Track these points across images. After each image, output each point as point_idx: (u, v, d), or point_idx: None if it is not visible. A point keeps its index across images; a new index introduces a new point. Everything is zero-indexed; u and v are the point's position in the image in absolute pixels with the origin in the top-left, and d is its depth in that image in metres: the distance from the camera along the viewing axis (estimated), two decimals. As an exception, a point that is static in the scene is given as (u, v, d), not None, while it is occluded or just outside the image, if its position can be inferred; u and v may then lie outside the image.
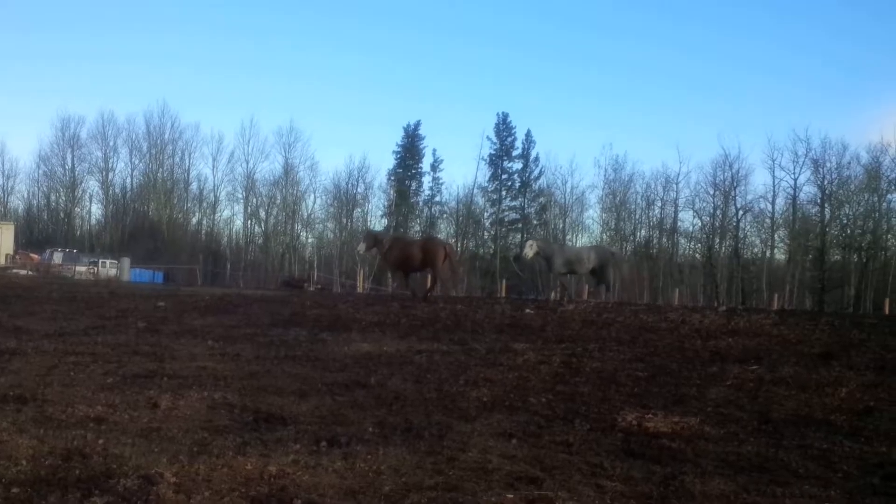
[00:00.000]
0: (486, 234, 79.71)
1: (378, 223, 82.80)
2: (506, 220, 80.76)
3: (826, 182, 68.62)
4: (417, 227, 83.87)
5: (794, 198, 70.78)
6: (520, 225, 79.79)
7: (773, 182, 71.34)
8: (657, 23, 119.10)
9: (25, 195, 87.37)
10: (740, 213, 72.09)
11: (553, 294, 22.12)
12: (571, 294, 23.35)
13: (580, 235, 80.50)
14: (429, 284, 24.49)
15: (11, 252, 55.52)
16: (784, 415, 7.19)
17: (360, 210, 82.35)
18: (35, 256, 58.03)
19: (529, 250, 22.16)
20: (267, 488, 4.60)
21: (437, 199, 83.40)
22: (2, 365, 8.90)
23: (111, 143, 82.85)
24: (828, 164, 68.76)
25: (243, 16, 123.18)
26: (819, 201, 69.17)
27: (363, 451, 5.46)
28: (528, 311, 16.44)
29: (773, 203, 72.12)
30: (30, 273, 46.35)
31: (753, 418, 7.01)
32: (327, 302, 19.34)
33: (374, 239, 22.35)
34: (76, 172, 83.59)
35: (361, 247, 22.37)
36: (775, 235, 73.51)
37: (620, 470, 5.24)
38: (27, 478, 4.66)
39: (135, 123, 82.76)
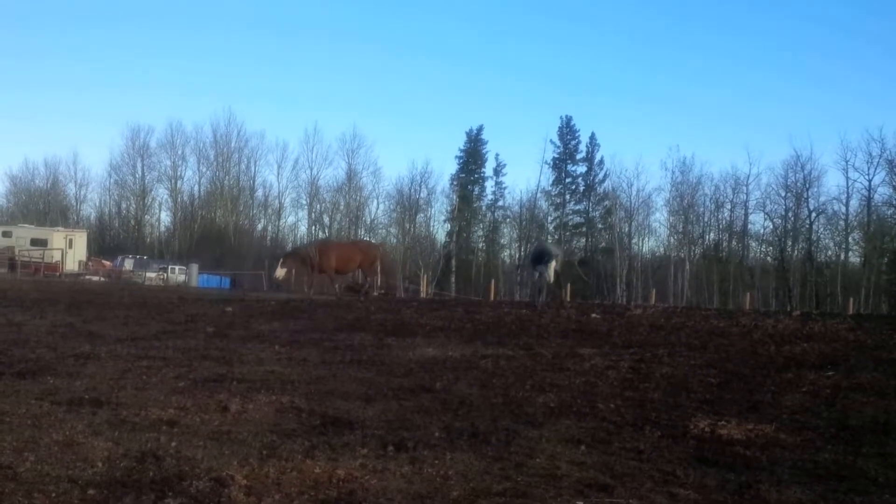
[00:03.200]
0: (549, 238, 79.31)
1: (441, 228, 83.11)
2: (570, 223, 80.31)
3: (902, 183, 66.61)
4: (480, 232, 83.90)
5: (869, 199, 69.02)
6: (584, 229, 79.28)
7: (847, 183, 69.67)
8: (722, 25, 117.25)
9: (97, 203, 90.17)
10: (813, 215, 70.49)
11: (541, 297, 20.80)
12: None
13: (647, 239, 79.63)
14: (367, 285, 23.75)
15: (84, 259, 57.03)
16: (862, 422, 6.95)
17: (422, 215, 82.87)
18: (107, 263, 59.62)
19: (551, 272, 20.07)
20: (335, 492, 4.61)
21: (501, 203, 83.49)
22: (77, 369, 9.12)
23: (179, 152, 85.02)
24: (903, 165, 66.76)
25: (306, 23, 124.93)
26: (895, 203, 67.18)
27: (430, 455, 5.44)
28: (594, 315, 16.28)
29: (846, 205, 70.41)
30: (102, 279, 47.60)
31: (831, 425, 6.79)
32: (391, 307, 19.42)
33: (296, 256, 21.16)
34: (146, 181, 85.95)
35: (280, 272, 20.82)
36: (850, 238, 71.63)
37: (693, 478, 5.12)
38: (103, 479, 4.76)
39: (202, 132, 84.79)
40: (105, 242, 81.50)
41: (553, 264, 20.07)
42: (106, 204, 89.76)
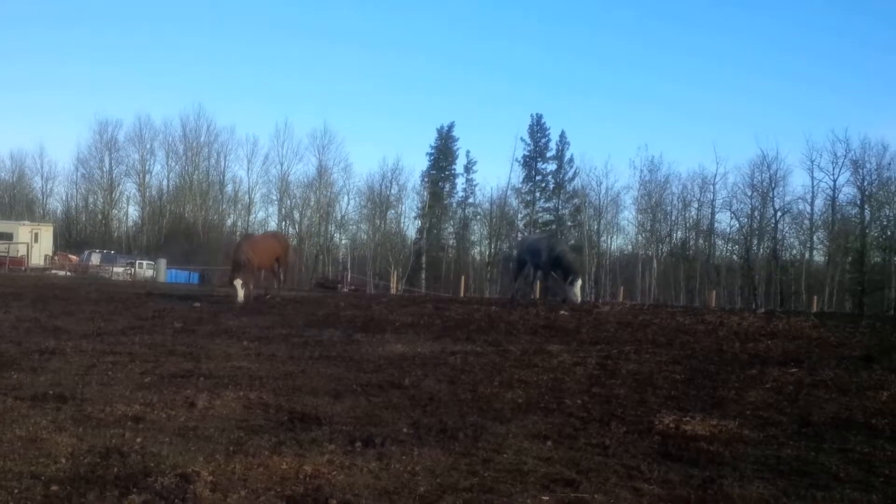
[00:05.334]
0: (519, 235, 79.55)
1: (412, 224, 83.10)
2: (539, 221, 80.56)
3: (866, 183, 67.79)
4: (451, 229, 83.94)
5: (834, 199, 70.05)
6: (553, 226, 79.55)
7: (812, 183, 70.69)
8: (693, 25, 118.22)
9: (64, 197, 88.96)
10: (778, 214, 71.36)
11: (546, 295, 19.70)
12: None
13: (615, 237, 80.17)
14: (280, 279, 22.54)
15: (50, 253, 56.34)
16: (824, 418, 7.06)
17: (393, 211, 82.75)
18: (73, 257, 58.92)
19: (578, 292, 18.58)
20: (302, 488, 4.61)
21: (471, 200, 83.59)
22: (42, 364, 9.02)
23: (148, 146, 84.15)
24: (868, 165, 68.02)
25: (277, 18, 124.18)
26: (859, 202, 68.27)
27: (398, 451, 5.45)
28: (562, 312, 16.36)
29: (811, 204, 71.42)
30: (68, 274, 47.05)
31: (793, 421, 6.89)
32: (361, 303, 19.40)
33: (239, 269, 19.05)
34: (114, 175, 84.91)
35: (241, 294, 18.64)
36: (814, 237, 72.73)
37: (658, 473, 5.17)
38: (66, 475, 4.71)
39: (171, 126, 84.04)
40: (72, 237, 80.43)
41: (579, 283, 18.70)
42: (73, 198, 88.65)
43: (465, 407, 7.26)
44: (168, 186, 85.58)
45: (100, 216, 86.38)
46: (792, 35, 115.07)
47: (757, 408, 7.42)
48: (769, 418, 7.00)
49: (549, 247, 19.44)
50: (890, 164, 67.18)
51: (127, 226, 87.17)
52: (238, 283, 18.65)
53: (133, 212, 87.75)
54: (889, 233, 67.34)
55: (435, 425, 6.35)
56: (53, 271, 47.96)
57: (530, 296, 19.51)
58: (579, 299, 18.49)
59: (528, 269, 19.97)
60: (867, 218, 67.64)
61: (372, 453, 5.39)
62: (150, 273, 53.44)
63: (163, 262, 53.08)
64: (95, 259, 58.20)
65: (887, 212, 67.84)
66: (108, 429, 5.88)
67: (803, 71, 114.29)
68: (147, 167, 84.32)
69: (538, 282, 20.58)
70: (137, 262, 58.15)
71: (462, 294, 39.74)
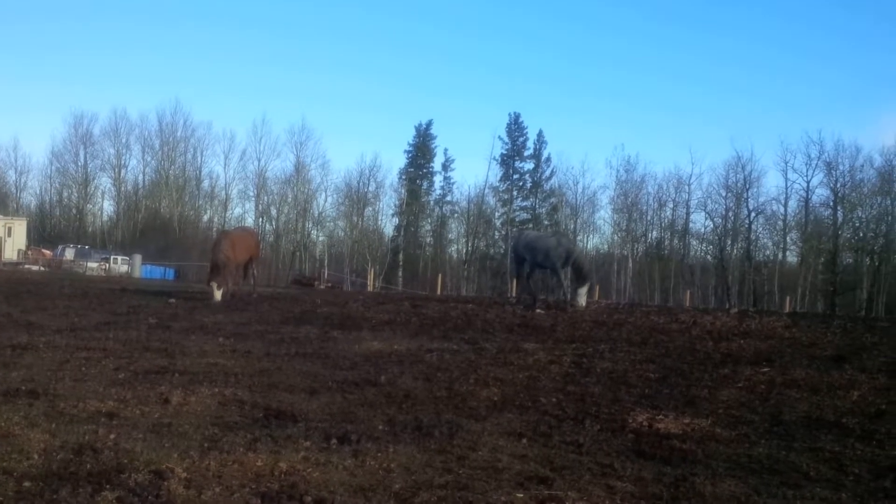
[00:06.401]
0: (496, 233, 79.69)
1: (389, 222, 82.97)
2: (517, 220, 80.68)
3: (839, 185, 68.44)
4: (428, 227, 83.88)
5: (807, 200, 70.63)
6: (531, 225, 79.73)
7: (786, 184, 71.29)
8: (670, 25, 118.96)
9: (38, 191, 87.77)
10: (752, 215, 71.90)
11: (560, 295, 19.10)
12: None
13: (591, 236, 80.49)
14: (254, 275, 22.31)
15: (24, 248, 55.78)
16: (795, 417, 7.14)
17: (371, 209, 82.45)
18: (47, 252, 58.31)
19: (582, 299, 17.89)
20: (277, 485, 4.61)
21: (449, 198, 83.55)
22: (14, 360, 8.94)
23: (124, 141, 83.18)
24: (841, 167, 68.66)
25: (255, 13, 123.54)
26: (832, 204, 68.91)
27: (373, 448, 5.46)
28: (538, 311, 16.43)
29: (785, 205, 72.01)
30: (42, 269, 46.56)
31: (765, 420, 6.97)
32: (338, 300, 19.39)
33: (217, 269, 18.82)
34: (89, 169, 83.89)
35: (218, 294, 18.46)
36: (787, 238, 73.30)
37: (631, 471, 5.21)
38: (39, 472, 4.68)
39: (147, 121, 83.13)
40: (46, 231, 79.49)
41: (587, 288, 18.04)
42: (47, 192, 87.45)
43: (441, 404, 7.28)
44: (144, 181, 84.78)
45: (74, 211, 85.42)
46: (771, 33, 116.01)
47: (729, 406, 7.50)
48: (741, 417, 7.08)
49: (564, 248, 18.58)
50: (862, 166, 68.11)
51: (102, 221, 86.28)
52: (214, 284, 18.52)
53: (108, 207, 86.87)
54: (861, 234, 68.07)
55: (410, 423, 6.36)
56: (27, 266, 47.50)
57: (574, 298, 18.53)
58: (584, 304, 17.91)
59: (526, 268, 19.39)
60: (840, 219, 68.32)
61: (347, 450, 5.39)
62: (124, 269, 52.95)
63: (138, 258, 52.64)
64: (69, 254, 57.60)
65: (860, 213, 68.64)
66: (81, 425, 5.85)
67: (780, 71, 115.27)
68: (122, 162, 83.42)
69: (517, 279, 20.25)
70: (112, 257, 57.59)
71: (439, 292, 39.77)
